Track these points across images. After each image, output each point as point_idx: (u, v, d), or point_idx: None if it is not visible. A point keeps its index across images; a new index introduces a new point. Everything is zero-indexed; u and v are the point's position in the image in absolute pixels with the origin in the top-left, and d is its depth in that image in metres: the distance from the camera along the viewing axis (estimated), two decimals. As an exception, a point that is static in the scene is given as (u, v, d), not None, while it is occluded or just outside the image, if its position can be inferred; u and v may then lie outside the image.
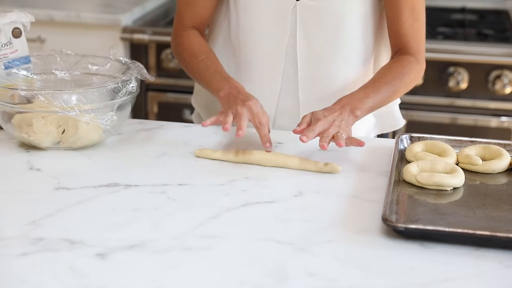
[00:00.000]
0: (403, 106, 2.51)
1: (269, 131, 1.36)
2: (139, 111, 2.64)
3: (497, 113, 2.49)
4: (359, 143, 1.32)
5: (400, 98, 1.70)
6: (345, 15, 1.49)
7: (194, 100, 1.74)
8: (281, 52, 1.53)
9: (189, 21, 1.58)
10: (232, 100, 1.39)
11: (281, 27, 1.51)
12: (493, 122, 2.50)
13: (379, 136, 1.73)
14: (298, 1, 1.48)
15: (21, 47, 1.46)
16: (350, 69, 1.55)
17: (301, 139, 1.29)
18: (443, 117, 2.52)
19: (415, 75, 1.52)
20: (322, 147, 1.28)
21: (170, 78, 2.63)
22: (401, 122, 1.69)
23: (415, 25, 1.51)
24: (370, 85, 1.46)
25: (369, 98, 1.42)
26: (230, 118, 1.34)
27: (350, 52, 1.54)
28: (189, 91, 1.85)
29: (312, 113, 1.36)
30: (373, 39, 1.56)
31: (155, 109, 2.67)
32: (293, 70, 1.54)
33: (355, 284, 0.97)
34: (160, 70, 2.63)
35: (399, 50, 1.53)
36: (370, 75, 1.57)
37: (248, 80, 1.56)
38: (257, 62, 1.55)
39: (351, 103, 1.39)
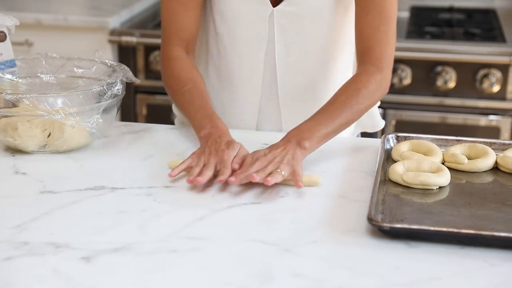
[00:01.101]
0: (392, 106, 2.54)
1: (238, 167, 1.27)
2: (128, 113, 2.64)
3: (486, 112, 2.50)
4: (297, 184, 1.22)
5: (388, 98, 1.69)
6: (321, 22, 1.49)
7: (174, 107, 1.70)
8: (260, 59, 1.51)
9: (176, 37, 1.52)
10: (209, 145, 1.32)
11: (258, 34, 1.50)
12: (482, 121, 2.50)
13: (367, 135, 1.72)
14: (275, 8, 1.48)
15: (6, 50, 1.46)
16: (329, 74, 1.54)
17: (229, 181, 1.22)
18: (432, 117, 2.53)
19: (375, 86, 1.42)
20: (251, 177, 1.21)
21: (159, 80, 2.59)
22: (381, 124, 1.66)
23: (381, 27, 1.43)
24: (323, 110, 1.38)
25: (320, 125, 1.33)
26: (196, 171, 1.25)
27: (328, 57, 1.52)
28: (178, 93, 1.85)
29: (254, 152, 1.30)
30: (351, 46, 1.55)
31: (144, 111, 2.67)
32: (272, 77, 1.53)
33: (341, 284, 0.97)
34: (149, 72, 2.63)
35: (363, 56, 1.46)
36: None
37: (228, 89, 1.55)
38: (236, 69, 1.53)
39: (298, 135, 1.31)
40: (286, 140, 1.31)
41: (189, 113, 1.43)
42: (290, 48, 1.50)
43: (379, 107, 1.70)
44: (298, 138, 1.31)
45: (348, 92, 1.40)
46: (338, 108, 1.38)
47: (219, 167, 1.26)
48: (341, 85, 1.45)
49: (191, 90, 1.45)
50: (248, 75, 1.53)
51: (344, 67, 1.56)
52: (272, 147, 1.30)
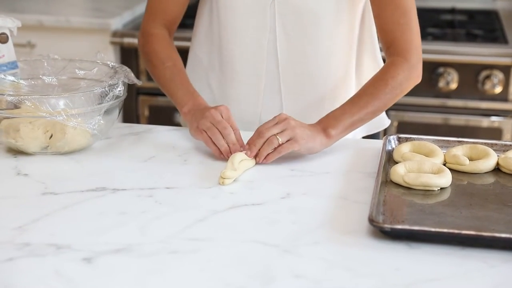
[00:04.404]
0: (394, 107, 2.50)
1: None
2: (130, 115, 2.64)
3: (488, 113, 2.49)
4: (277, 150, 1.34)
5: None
6: (321, 13, 1.50)
7: None
8: (262, 48, 1.53)
9: (160, 16, 1.57)
10: (197, 115, 1.40)
11: (260, 22, 1.52)
12: (484, 122, 2.50)
13: (369, 136, 1.72)
14: None
15: (8, 52, 1.46)
16: (330, 66, 1.55)
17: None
18: (434, 118, 2.53)
19: (405, 76, 1.46)
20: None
21: (161, 82, 2.63)
22: (386, 122, 1.68)
23: (402, 20, 1.46)
24: (350, 101, 1.43)
25: (346, 114, 1.39)
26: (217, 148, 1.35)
27: (329, 49, 1.53)
28: (179, 94, 1.85)
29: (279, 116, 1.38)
30: (352, 37, 1.56)
31: (146, 112, 2.67)
32: (275, 66, 1.55)
33: (341, 285, 0.98)
34: (151, 74, 2.63)
35: (389, 48, 1.50)
36: (352, 74, 1.58)
37: (231, 78, 1.56)
38: (239, 58, 1.55)
39: (324, 122, 1.39)
40: (313, 125, 1.38)
41: (170, 89, 1.50)
42: (291, 38, 1.52)
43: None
44: (323, 125, 1.38)
45: (376, 84, 1.45)
46: (366, 98, 1.43)
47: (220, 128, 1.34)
48: (343, 73, 1.48)
49: (171, 67, 1.51)
50: (251, 65, 1.55)
51: (346, 54, 1.57)
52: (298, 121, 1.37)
